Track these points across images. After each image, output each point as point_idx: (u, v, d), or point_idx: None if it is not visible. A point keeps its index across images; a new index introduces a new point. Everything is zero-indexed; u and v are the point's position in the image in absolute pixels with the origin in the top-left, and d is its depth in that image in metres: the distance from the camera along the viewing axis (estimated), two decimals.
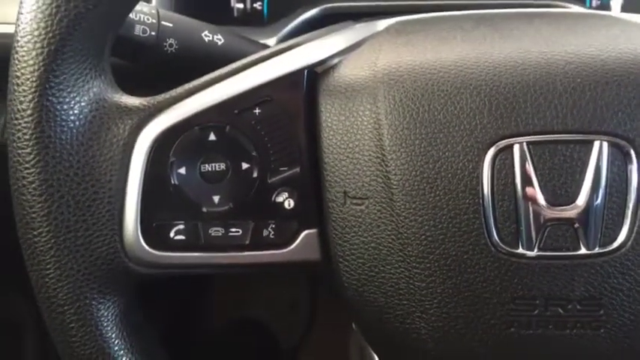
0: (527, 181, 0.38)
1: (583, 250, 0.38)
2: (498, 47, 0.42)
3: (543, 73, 0.39)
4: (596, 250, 0.38)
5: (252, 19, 0.81)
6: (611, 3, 0.84)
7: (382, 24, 0.47)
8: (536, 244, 0.38)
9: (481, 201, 0.38)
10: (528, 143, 0.38)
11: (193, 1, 0.78)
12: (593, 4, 0.84)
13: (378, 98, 0.40)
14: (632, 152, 0.38)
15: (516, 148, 0.38)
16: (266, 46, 0.63)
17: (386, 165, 0.39)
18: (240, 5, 0.83)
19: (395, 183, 0.39)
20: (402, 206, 0.39)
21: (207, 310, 0.83)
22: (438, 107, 0.39)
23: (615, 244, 0.38)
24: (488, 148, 0.38)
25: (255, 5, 0.84)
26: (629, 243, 0.37)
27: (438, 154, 0.38)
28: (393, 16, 0.49)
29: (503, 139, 0.38)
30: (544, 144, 0.38)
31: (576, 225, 0.38)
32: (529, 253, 0.38)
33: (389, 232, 0.39)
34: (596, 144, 0.38)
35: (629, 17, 0.47)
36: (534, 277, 0.38)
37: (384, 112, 0.40)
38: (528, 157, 0.38)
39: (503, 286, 0.38)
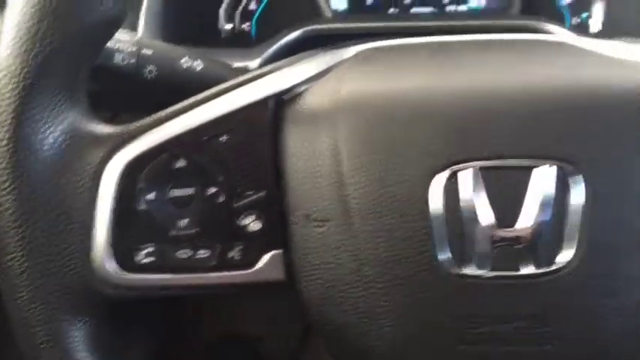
0: (475, 204, 0.40)
1: (529, 270, 0.40)
2: (453, 76, 0.44)
3: (493, 101, 0.41)
4: (542, 269, 0.40)
5: (240, 40, 0.84)
6: (590, 22, 0.86)
7: (351, 51, 0.50)
8: (485, 265, 0.40)
9: (431, 223, 0.40)
10: (478, 168, 0.40)
11: (182, 24, 0.80)
12: (573, 22, 0.86)
13: (337, 125, 0.42)
14: (577, 176, 0.39)
15: (466, 173, 0.40)
16: (245, 71, 0.66)
17: (345, 189, 0.41)
18: (229, 26, 0.86)
19: (353, 206, 0.41)
20: (360, 229, 0.41)
21: (197, 326, 0.84)
22: (393, 134, 0.41)
23: (560, 264, 0.39)
24: (439, 173, 0.40)
25: (243, 26, 0.86)
26: (574, 262, 0.39)
27: (393, 179, 0.40)
28: (373, 39, 0.51)
29: (455, 164, 0.40)
30: (493, 169, 0.40)
31: (523, 246, 0.40)
32: (477, 273, 0.40)
33: (348, 254, 0.41)
34: (543, 168, 0.40)
35: (586, 44, 0.49)
36: (483, 296, 0.40)
37: (343, 138, 0.42)
38: (477, 181, 0.40)
39: (453, 305, 0.40)
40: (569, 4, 0.85)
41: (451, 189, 0.40)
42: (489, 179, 0.40)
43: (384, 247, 0.40)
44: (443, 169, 0.40)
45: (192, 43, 0.68)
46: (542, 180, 0.40)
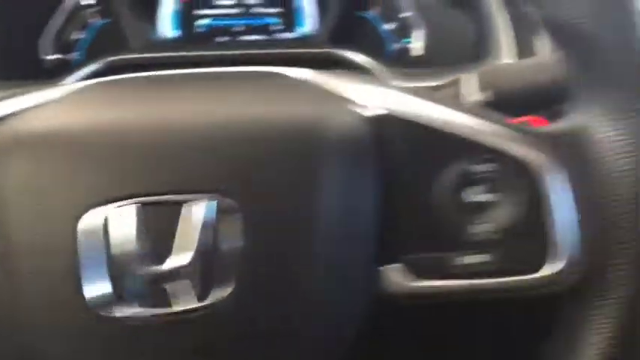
0: (130, 240, 0.39)
1: (184, 306, 0.40)
2: (126, 112, 0.44)
3: (153, 136, 0.41)
4: (197, 305, 0.40)
5: (62, 70, 0.84)
6: (411, 47, 0.87)
7: (82, 84, 0.50)
8: (140, 303, 0.40)
9: (81, 263, 0.39)
10: (134, 204, 0.40)
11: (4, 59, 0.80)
12: (395, 47, 0.87)
13: (5, 163, 0.42)
14: (236, 211, 0.39)
15: (122, 209, 0.40)
16: None
17: (3, 227, 0.41)
18: (51, 57, 0.86)
19: (10, 246, 0.41)
20: (17, 270, 0.41)
21: None
22: (53, 171, 0.41)
23: (215, 300, 0.39)
24: (93, 209, 0.39)
25: (67, 56, 0.86)
26: (230, 299, 0.39)
27: (48, 216, 0.40)
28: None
29: (110, 200, 0.40)
30: (148, 204, 0.40)
31: (179, 282, 0.40)
32: (132, 313, 0.40)
33: (6, 296, 0.41)
34: (201, 202, 0.39)
35: (310, 76, 0.48)
36: (142, 336, 0.40)
37: (9, 175, 0.41)
38: (132, 218, 0.39)
39: (115, 348, 0.40)
40: (391, 30, 0.87)
41: (105, 225, 0.40)
42: (145, 215, 0.40)
43: (38, 290, 0.40)
44: (95, 205, 0.40)
45: (19, 77, 0.68)
46: (201, 214, 0.40)
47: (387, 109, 0.44)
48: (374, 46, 0.87)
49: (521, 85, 0.50)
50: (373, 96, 0.45)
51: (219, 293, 0.40)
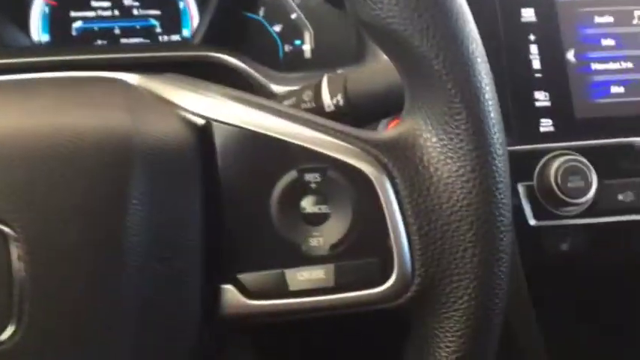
0: None
1: None
2: None
3: None
4: None
5: None
6: (304, 48, 0.85)
7: None
8: None
9: None
10: None
11: None
12: (286, 49, 0.85)
13: None
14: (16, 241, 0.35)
15: None
16: None
17: None
18: None
19: None
20: None
21: None
22: None
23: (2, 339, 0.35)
24: None
25: None
26: (15, 337, 0.35)
27: None
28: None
29: None
30: None
31: None
32: None
33: None
34: None
35: (135, 81, 0.44)
36: None
37: None
38: None
39: None
40: (280, 33, 0.84)
41: None
42: None
43: None
44: None
45: None
46: None
47: (216, 116, 0.41)
48: (266, 48, 0.84)
49: (367, 89, 0.47)
50: (203, 102, 0.42)
51: (6, 333, 0.35)
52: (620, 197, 0.65)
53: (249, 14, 0.85)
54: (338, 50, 0.84)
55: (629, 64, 0.68)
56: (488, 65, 0.38)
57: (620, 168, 0.66)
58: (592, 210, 0.64)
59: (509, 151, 0.62)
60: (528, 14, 0.67)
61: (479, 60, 0.37)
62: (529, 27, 0.67)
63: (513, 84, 0.66)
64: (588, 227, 0.65)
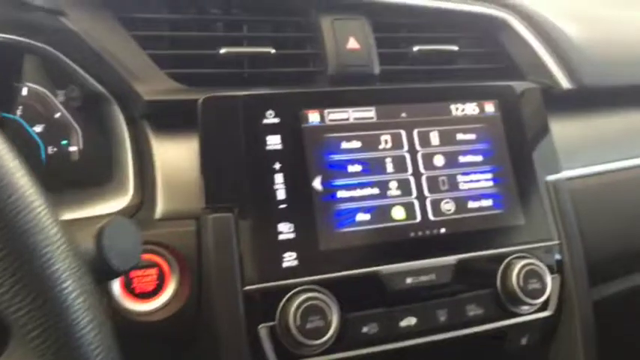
0: None
1: None
2: None
3: None
4: None
5: None
6: (70, 149, 0.79)
7: None
8: None
9: None
10: None
11: None
12: (50, 151, 0.78)
13: None
14: None
15: None
16: None
17: None
18: None
19: None
20: None
21: None
22: None
23: None
24: None
25: None
26: None
27: None
28: None
29: None
30: None
31: None
32: None
33: None
34: None
35: None
36: None
37: None
38: None
39: None
40: (41, 133, 0.77)
41: None
42: None
43: None
44: None
45: None
46: None
47: None
48: (27, 150, 0.78)
49: None
50: None
51: None
52: (365, 329, 0.65)
53: (4, 114, 0.78)
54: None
55: (376, 190, 0.68)
56: None
57: (365, 299, 0.65)
58: (336, 346, 0.63)
59: (249, 291, 0.62)
60: (273, 141, 0.65)
61: None
62: (274, 155, 0.65)
63: (256, 216, 0.63)
64: None
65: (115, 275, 0.43)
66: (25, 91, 0.76)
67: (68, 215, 0.64)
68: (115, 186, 0.68)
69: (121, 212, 0.64)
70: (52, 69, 0.73)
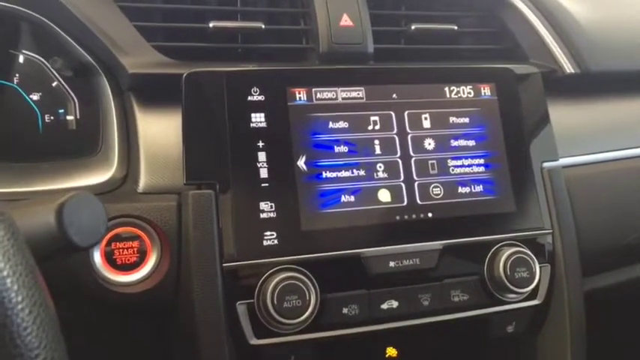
0: None
1: None
2: None
3: None
4: None
5: None
6: (67, 118, 0.79)
7: None
8: None
9: None
10: None
11: None
12: (47, 119, 0.79)
13: None
14: None
15: None
16: None
17: None
18: None
19: None
20: None
21: None
22: None
23: None
24: None
25: None
26: None
27: None
28: None
29: None
30: None
31: None
32: None
33: None
34: None
35: None
36: None
37: None
38: None
39: None
40: (38, 101, 0.78)
41: None
42: None
43: None
44: None
45: None
46: None
47: None
48: (24, 118, 0.78)
49: None
50: None
51: None
52: (345, 311, 0.65)
53: (1, 81, 0.78)
54: None
55: (362, 172, 0.67)
56: None
57: (346, 281, 0.65)
58: (315, 325, 0.63)
59: (228, 268, 0.62)
60: (258, 119, 0.65)
61: None
62: (258, 133, 0.64)
63: (238, 194, 0.63)
64: (313, 342, 0.64)
65: (77, 250, 0.44)
66: (21, 59, 0.77)
67: (51, 186, 0.65)
68: (100, 158, 0.69)
69: (105, 185, 0.65)
70: (46, 38, 0.74)
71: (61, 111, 0.79)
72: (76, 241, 0.43)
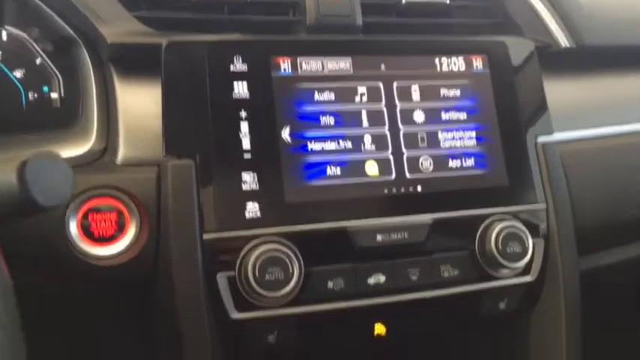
0: None
1: None
2: None
3: None
4: None
5: None
6: (52, 95, 0.78)
7: None
8: None
9: None
10: None
11: None
12: (31, 97, 0.77)
13: None
14: None
15: None
16: None
17: None
18: None
19: None
20: None
21: None
22: None
23: None
24: None
25: None
26: None
27: None
28: None
29: None
30: None
31: None
32: None
33: None
34: None
35: None
36: None
37: None
38: None
39: None
40: (22, 79, 0.76)
41: None
42: None
43: None
44: None
45: None
46: None
47: None
48: (7, 96, 0.77)
49: None
50: None
51: None
52: (330, 285, 0.63)
53: None
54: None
55: (349, 144, 0.65)
56: None
57: (331, 254, 0.63)
58: (299, 299, 0.62)
59: (209, 239, 0.60)
60: (240, 89, 0.63)
61: None
62: (240, 103, 0.63)
63: (219, 165, 0.61)
64: (297, 318, 0.63)
65: (40, 210, 0.42)
66: (4, 36, 0.75)
67: None
68: (79, 131, 0.67)
69: (83, 157, 0.63)
70: (28, 12, 0.72)
71: (45, 88, 0.77)
72: (38, 199, 0.41)
